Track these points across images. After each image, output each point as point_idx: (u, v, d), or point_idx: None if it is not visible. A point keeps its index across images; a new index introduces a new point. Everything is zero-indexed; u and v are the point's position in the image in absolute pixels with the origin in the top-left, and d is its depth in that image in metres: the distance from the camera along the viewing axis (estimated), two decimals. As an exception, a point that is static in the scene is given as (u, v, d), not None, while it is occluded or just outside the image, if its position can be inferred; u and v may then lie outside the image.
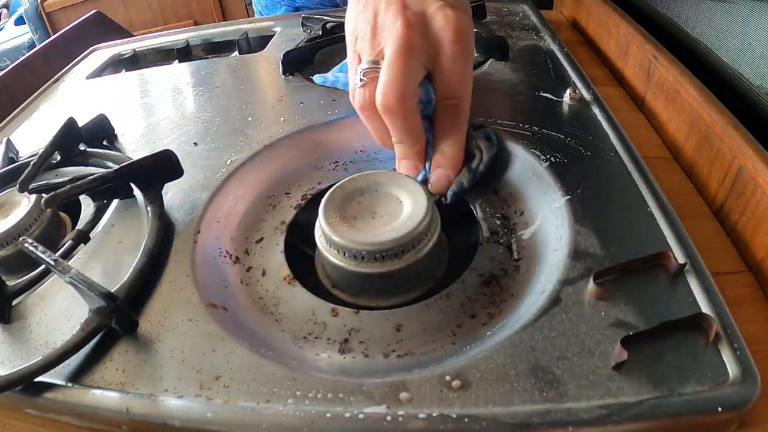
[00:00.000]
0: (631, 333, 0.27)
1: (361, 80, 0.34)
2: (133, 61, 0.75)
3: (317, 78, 0.53)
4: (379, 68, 0.33)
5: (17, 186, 0.41)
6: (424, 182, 0.37)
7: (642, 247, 0.32)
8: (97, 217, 0.42)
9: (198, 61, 0.69)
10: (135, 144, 0.50)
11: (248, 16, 1.92)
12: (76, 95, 0.65)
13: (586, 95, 0.47)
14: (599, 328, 0.28)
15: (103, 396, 0.28)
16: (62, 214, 0.45)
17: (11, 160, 0.49)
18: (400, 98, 0.33)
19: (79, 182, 0.38)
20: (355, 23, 0.36)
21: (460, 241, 0.38)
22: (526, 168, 0.40)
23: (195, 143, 0.48)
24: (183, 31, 0.79)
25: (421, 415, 0.25)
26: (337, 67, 0.51)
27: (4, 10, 2.51)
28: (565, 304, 0.29)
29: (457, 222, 0.39)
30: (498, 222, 0.38)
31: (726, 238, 0.37)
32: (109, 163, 0.46)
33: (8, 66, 0.77)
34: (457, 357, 0.28)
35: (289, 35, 0.70)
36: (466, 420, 0.25)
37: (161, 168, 0.41)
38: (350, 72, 0.37)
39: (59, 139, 0.46)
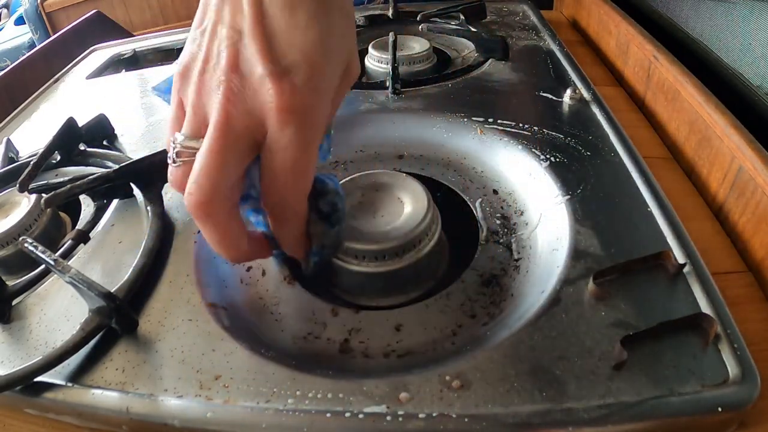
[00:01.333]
0: (630, 333, 0.27)
1: (173, 159, 0.27)
2: (133, 61, 0.75)
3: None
4: (195, 152, 0.25)
5: (17, 186, 0.41)
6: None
7: (642, 247, 0.32)
8: (97, 217, 0.42)
9: (198, 61, 0.68)
10: (135, 144, 0.50)
11: (248, 16, 1.91)
12: (76, 95, 0.65)
13: (586, 95, 0.47)
14: (599, 328, 0.28)
15: (103, 396, 0.28)
16: (62, 214, 0.45)
17: (11, 160, 0.49)
18: (206, 203, 0.25)
19: (79, 182, 0.38)
20: (191, 53, 0.27)
21: (460, 241, 0.38)
22: (526, 168, 0.40)
23: (195, 143, 0.48)
24: (183, 31, 0.79)
25: (421, 415, 0.25)
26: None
27: (4, 10, 2.51)
28: (565, 304, 0.29)
29: (457, 222, 0.39)
30: (498, 222, 0.38)
31: (726, 238, 0.37)
32: (109, 163, 0.46)
33: (8, 66, 0.76)
34: (457, 357, 0.28)
35: (289, 35, 0.69)
36: (466, 420, 0.25)
37: (161, 168, 0.41)
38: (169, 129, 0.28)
39: (59, 139, 0.46)
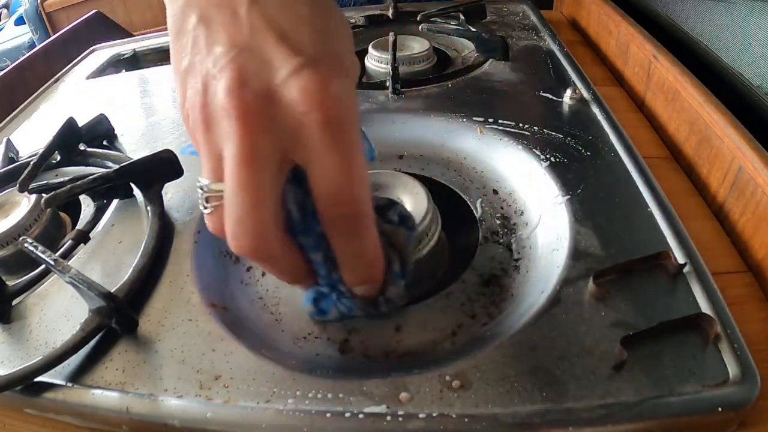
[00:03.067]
0: (630, 333, 0.27)
1: (205, 207, 0.24)
2: (133, 61, 0.75)
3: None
4: (222, 194, 0.22)
5: (17, 186, 0.41)
6: (327, 301, 0.29)
7: (642, 247, 0.32)
8: (97, 217, 0.42)
9: (198, 61, 0.68)
10: (135, 144, 0.50)
11: (248, 16, 1.91)
12: (76, 95, 0.65)
13: (586, 95, 0.47)
14: (599, 328, 0.28)
15: (103, 396, 0.28)
16: (62, 214, 0.45)
17: (11, 160, 0.49)
18: (255, 248, 0.22)
19: (79, 182, 0.38)
20: (181, 87, 0.24)
21: (460, 241, 0.38)
22: (526, 168, 0.40)
23: (195, 143, 0.48)
24: (183, 31, 0.79)
25: (421, 415, 0.25)
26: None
27: (4, 10, 2.50)
28: (565, 304, 0.29)
29: (457, 222, 0.39)
30: (498, 222, 0.38)
31: (726, 238, 0.37)
32: (109, 163, 0.46)
33: (8, 66, 0.76)
34: (457, 357, 0.28)
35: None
36: (466, 420, 0.25)
37: (161, 168, 0.41)
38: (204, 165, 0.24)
39: (59, 139, 0.46)
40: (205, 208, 0.24)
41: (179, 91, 0.24)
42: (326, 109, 0.21)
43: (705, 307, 0.28)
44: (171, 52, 0.25)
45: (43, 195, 0.37)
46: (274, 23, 0.22)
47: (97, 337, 0.31)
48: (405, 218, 0.28)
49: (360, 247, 0.24)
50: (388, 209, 0.27)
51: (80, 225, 0.42)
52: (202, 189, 0.24)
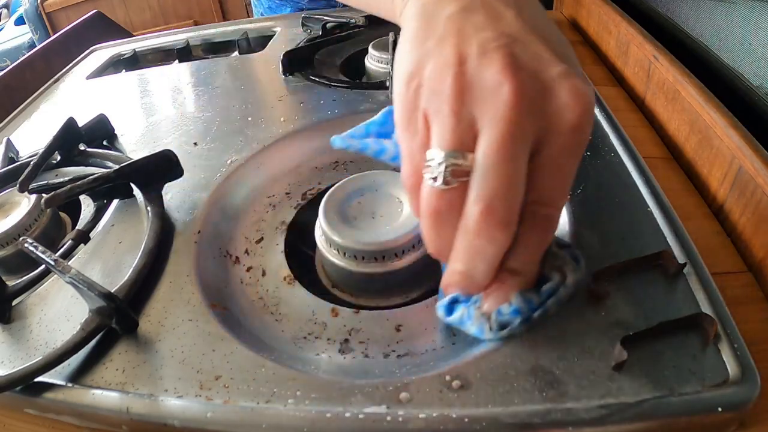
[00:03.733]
0: (630, 333, 0.27)
1: (445, 181, 0.23)
2: (133, 61, 0.75)
3: (336, 141, 0.35)
4: (470, 170, 0.22)
5: (17, 186, 0.41)
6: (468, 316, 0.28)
7: (642, 247, 0.32)
8: (97, 217, 0.42)
9: (198, 61, 0.69)
10: (135, 144, 0.50)
11: (248, 16, 1.92)
12: (76, 95, 0.65)
13: (586, 95, 0.47)
14: (599, 328, 0.28)
15: (103, 396, 0.28)
16: (62, 214, 0.45)
17: (11, 160, 0.49)
18: (507, 220, 0.23)
19: (79, 182, 0.38)
20: (417, 61, 0.24)
21: (460, 241, 0.38)
22: (526, 168, 0.40)
23: (195, 143, 0.48)
24: (183, 31, 0.79)
25: (421, 415, 0.25)
26: (363, 125, 0.36)
27: (4, 10, 2.51)
28: (565, 304, 0.29)
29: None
30: (498, 222, 0.38)
31: (726, 238, 0.37)
32: (109, 163, 0.46)
33: (8, 66, 0.77)
34: (457, 357, 0.28)
35: (289, 35, 0.70)
36: (466, 420, 0.25)
37: (161, 168, 0.41)
38: (408, 148, 0.25)
39: (59, 139, 0.46)
40: (446, 183, 0.23)
41: (405, 57, 0.25)
42: (587, 115, 0.22)
43: (705, 307, 0.28)
44: (411, 31, 0.25)
45: (43, 195, 0.37)
46: (539, 29, 0.24)
47: (97, 338, 0.31)
48: (577, 257, 0.29)
49: (537, 245, 0.25)
50: (566, 247, 0.29)
51: (80, 225, 0.42)
52: (444, 162, 0.23)
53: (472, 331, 0.28)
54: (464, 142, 0.23)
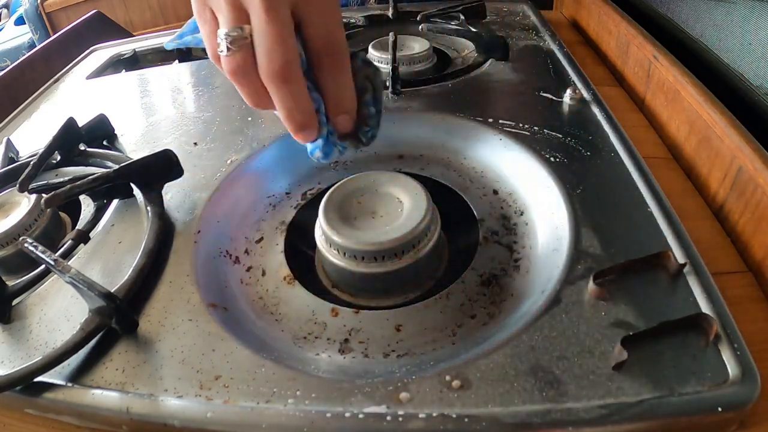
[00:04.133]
0: (631, 333, 0.27)
1: (228, 48, 0.29)
2: (133, 61, 0.75)
3: (168, 45, 0.42)
4: (248, 37, 0.29)
5: (17, 186, 0.41)
6: (328, 145, 0.33)
7: (642, 247, 0.32)
8: (97, 217, 0.42)
9: (198, 61, 0.69)
10: (135, 144, 0.50)
11: (248, 16, 1.91)
12: (76, 95, 0.65)
13: (586, 95, 0.47)
14: (599, 328, 0.28)
15: (103, 396, 0.28)
16: (62, 214, 0.45)
17: (11, 160, 0.49)
18: (287, 65, 0.29)
19: (79, 182, 0.38)
20: None
21: (460, 241, 0.38)
22: (526, 168, 0.40)
23: (195, 143, 0.48)
24: (183, 31, 0.79)
25: (421, 415, 0.25)
26: (188, 24, 0.40)
27: (4, 10, 2.51)
28: (565, 304, 0.29)
29: (457, 222, 0.39)
30: (498, 222, 0.38)
31: (726, 238, 0.37)
32: (109, 163, 0.46)
33: (8, 66, 0.77)
34: (457, 357, 0.28)
35: (289, 35, 0.69)
36: (466, 420, 0.25)
37: (161, 168, 0.41)
38: (205, 33, 0.32)
39: (59, 139, 0.46)
40: (228, 50, 0.29)
41: None
42: None
43: (705, 307, 0.28)
44: None
45: (43, 195, 0.37)
46: None
47: (97, 337, 0.31)
48: (368, 61, 0.33)
49: (343, 78, 0.31)
50: (354, 57, 0.33)
51: (80, 225, 0.42)
52: (223, 36, 0.29)
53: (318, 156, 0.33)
54: (239, 18, 0.29)
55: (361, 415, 0.26)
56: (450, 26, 0.63)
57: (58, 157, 0.47)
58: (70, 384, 0.29)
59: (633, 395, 0.25)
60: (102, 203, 0.43)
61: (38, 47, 0.82)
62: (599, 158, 0.39)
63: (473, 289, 0.33)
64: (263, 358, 0.29)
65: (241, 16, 0.29)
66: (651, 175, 0.37)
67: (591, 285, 0.29)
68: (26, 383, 0.29)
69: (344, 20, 0.68)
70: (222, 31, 0.29)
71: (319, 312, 0.33)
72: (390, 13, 0.69)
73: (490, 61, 0.55)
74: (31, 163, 0.42)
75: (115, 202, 0.42)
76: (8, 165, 0.48)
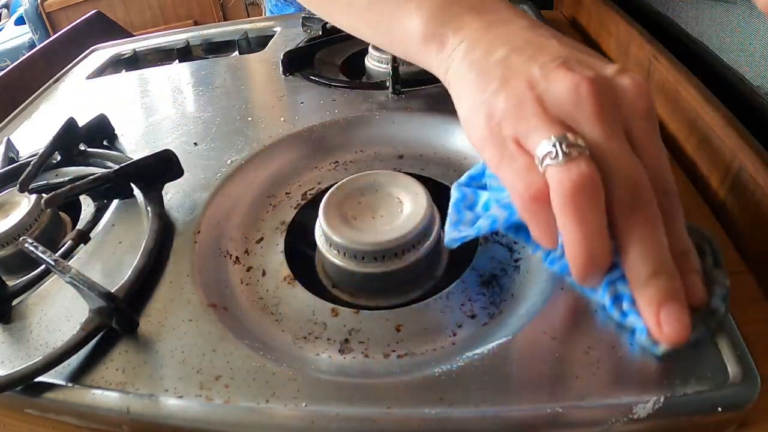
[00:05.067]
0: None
1: (565, 153, 0.23)
2: (133, 61, 0.75)
3: (450, 243, 0.32)
4: (584, 148, 0.23)
5: (17, 186, 0.41)
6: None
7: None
8: (97, 217, 0.42)
9: (198, 61, 0.69)
10: (135, 144, 0.50)
11: (248, 16, 1.92)
12: (76, 95, 0.65)
13: (586, 95, 0.47)
14: (599, 327, 0.28)
15: (103, 396, 0.28)
16: (62, 214, 0.45)
17: (11, 160, 0.49)
18: (639, 181, 0.23)
19: (79, 182, 0.38)
20: (488, 105, 0.26)
21: (460, 241, 0.38)
22: (526, 168, 0.40)
23: (195, 143, 0.48)
24: (183, 31, 0.79)
25: (421, 415, 0.25)
26: (461, 187, 0.33)
27: (4, 10, 2.51)
28: (565, 304, 0.29)
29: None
30: (498, 222, 0.38)
31: (726, 238, 0.37)
32: (109, 163, 0.46)
33: (8, 66, 0.77)
34: (457, 357, 0.28)
35: (289, 35, 0.70)
36: (466, 420, 0.25)
37: (161, 168, 0.41)
38: (515, 170, 0.25)
39: (59, 139, 0.46)
40: (566, 155, 0.23)
41: (483, 118, 0.26)
42: (652, 98, 0.25)
43: (705, 307, 0.28)
44: (469, 83, 0.28)
45: (43, 195, 0.37)
46: (578, 48, 0.27)
47: (97, 337, 0.31)
48: (719, 262, 0.27)
49: (675, 228, 0.25)
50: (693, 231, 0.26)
51: (80, 225, 0.42)
52: (556, 144, 0.23)
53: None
54: (564, 129, 0.24)
55: (361, 415, 0.26)
56: (450, 26, 0.63)
57: (58, 157, 0.47)
58: (70, 384, 0.29)
59: (633, 395, 0.25)
60: (102, 203, 0.43)
61: (38, 47, 0.82)
62: (599, 158, 0.39)
63: (473, 289, 0.33)
64: (263, 358, 0.29)
65: (565, 127, 0.24)
66: (651, 175, 0.37)
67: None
68: (26, 383, 0.29)
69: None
70: (547, 143, 0.23)
71: (319, 312, 0.33)
72: (390, 13, 0.69)
73: (490, 61, 0.55)
74: (31, 163, 0.42)
75: (115, 202, 0.42)
76: (8, 165, 0.48)
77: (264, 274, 0.37)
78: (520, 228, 0.29)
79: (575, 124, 0.24)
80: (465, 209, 0.32)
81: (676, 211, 0.25)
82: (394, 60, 0.50)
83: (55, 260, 0.32)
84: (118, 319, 0.31)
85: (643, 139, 0.24)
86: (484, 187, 0.32)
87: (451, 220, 0.32)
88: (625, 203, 0.23)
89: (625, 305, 0.26)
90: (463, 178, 0.33)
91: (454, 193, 0.33)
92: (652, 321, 0.24)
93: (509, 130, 0.25)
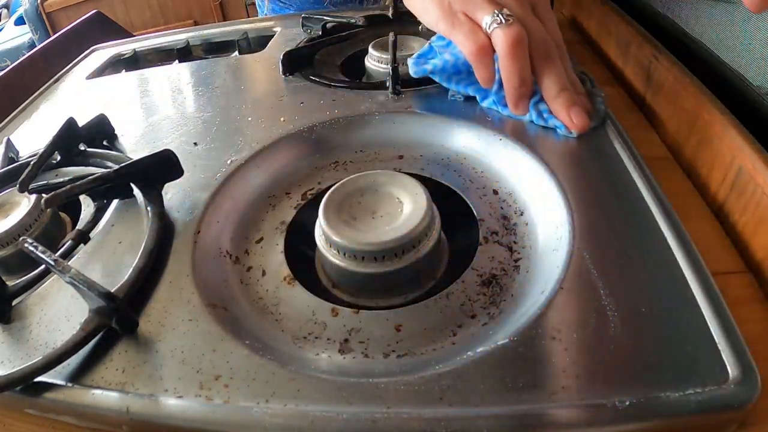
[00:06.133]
0: (630, 332, 0.27)
1: (507, 19, 0.36)
2: (133, 61, 0.75)
3: (416, 69, 0.49)
4: (513, 17, 0.36)
5: (17, 186, 0.41)
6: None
7: (642, 247, 0.32)
8: (97, 217, 0.42)
9: (198, 61, 0.69)
10: (135, 144, 0.50)
11: (248, 16, 1.92)
12: (76, 95, 0.65)
13: (586, 95, 0.47)
14: (599, 328, 0.28)
15: (103, 396, 0.28)
16: (62, 214, 0.45)
17: (11, 160, 0.49)
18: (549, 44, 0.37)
19: (79, 182, 0.38)
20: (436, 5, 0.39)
21: (460, 241, 0.38)
22: (526, 168, 0.40)
23: (195, 143, 0.48)
24: (183, 31, 0.79)
25: (421, 415, 0.25)
26: (426, 47, 0.50)
27: (4, 10, 2.51)
28: (566, 304, 0.29)
29: (457, 222, 0.39)
30: (498, 222, 0.38)
31: (726, 238, 0.37)
32: (109, 163, 0.46)
33: (8, 66, 0.77)
34: (457, 357, 0.28)
35: (289, 35, 0.70)
36: (466, 420, 0.25)
37: (161, 168, 0.41)
38: (464, 33, 0.37)
39: (59, 139, 0.46)
40: (507, 21, 0.37)
41: (430, 10, 0.41)
42: None
43: (705, 307, 0.28)
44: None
45: (43, 195, 0.37)
46: None
47: (97, 337, 0.31)
48: (594, 84, 0.45)
49: (565, 67, 0.41)
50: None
51: (80, 225, 0.42)
52: (496, 16, 0.37)
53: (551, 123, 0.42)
54: (498, 6, 0.37)
55: (361, 415, 0.26)
56: (450, 26, 0.63)
57: (58, 157, 0.47)
58: (70, 384, 0.29)
59: (633, 395, 0.25)
60: (102, 203, 0.43)
61: (38, 47, 0.82)
62: (599, 158, 0.39)
63: (473, 289, 0.33)
64: (263, 358, 0.29)
65: (499, 6, 0.37)
66: (651, 175, 0.37)
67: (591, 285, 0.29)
68: (26, 383, 0.29)
69: (344, 20, 0.68)
70: (489, 16, 0.36)
71: (319, 312, 0.33)
72: (390, 13, 0.69)
73: (490, 61, 0.55)
74: (31, 163, 0.42)
75: (115, 202, 0.42)
76: (8, 165, 0.48)
77: (264, 274, 0.37)
78: (461, 80, 0.46)
79: (504, 3, 0.37)
80: (430, 50, 0.49)
81: (564, 56, 0.41)
82: (394, 60, 0.50)
83: (55, 260, 0.32)
84: (117, 319, 0.31)
85: (543, 12, 0.40)
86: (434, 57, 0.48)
87: (414, 57, 0.49)
88: (540, 51, 0.38)
89: (545, 115, 0.41)
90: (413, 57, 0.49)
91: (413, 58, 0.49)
92: (566, 119, 0.40)
93: (458, 6, 0.38)
